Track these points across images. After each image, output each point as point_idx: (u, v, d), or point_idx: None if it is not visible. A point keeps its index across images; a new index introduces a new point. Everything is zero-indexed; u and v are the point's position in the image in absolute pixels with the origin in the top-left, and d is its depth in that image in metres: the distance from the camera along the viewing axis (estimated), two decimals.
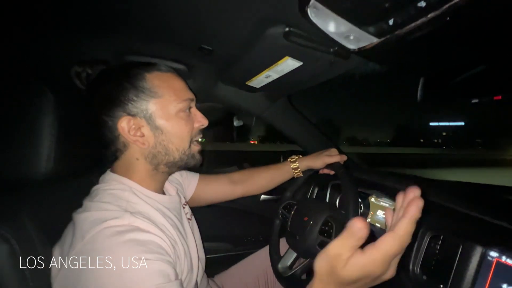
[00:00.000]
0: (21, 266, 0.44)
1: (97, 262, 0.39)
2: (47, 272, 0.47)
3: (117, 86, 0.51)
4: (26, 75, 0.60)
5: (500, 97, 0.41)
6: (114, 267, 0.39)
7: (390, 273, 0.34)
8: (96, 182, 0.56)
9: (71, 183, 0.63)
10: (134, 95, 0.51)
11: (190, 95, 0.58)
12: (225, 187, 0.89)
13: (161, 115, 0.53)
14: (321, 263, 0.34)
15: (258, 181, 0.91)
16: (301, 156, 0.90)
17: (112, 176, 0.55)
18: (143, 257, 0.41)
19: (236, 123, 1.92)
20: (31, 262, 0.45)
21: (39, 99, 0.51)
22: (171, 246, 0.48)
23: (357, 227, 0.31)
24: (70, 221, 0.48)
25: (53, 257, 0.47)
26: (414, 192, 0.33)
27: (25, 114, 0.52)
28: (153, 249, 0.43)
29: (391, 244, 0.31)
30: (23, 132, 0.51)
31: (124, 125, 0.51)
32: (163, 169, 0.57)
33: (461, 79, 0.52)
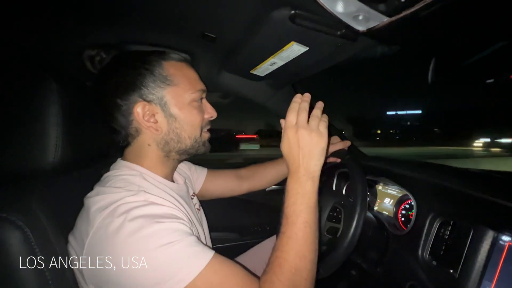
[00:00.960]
0: (36, 254, 0.44)
1: (118, 233, 0.41)
2: (60, 259, 0.48)
3: (135, 70, 0.51)
4: (30, 65, 0.60)
5: None
6: (133, 239, 0.40)
7: (313, 135, 0.51)
8: (104, 171, 0.56)
9: (79, 173, 0.63)
10: (151, 81, 0.51)
11: (203, 86, 0.58)
12: (232, 183, 0.91)
13: (176, 103, 0.53)
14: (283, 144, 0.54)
15: (264, 177, 0.93)
16: None
17: (123, 163, 0.56)
18: (157, 221, 0.42)
19: None
20: (45, 249, 0.46)
21: (43, 88, 0.51)
22: (188, 221, 0.49)
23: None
24: (82, 208, 0.49)
25: (70, 244, 0.48)
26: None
27: (29, 104, 0.51)
28: (169, 216, 0.45)
29: (288, 114, 0.53)
30: (29, 122, 0.51)
31: (139, 110, 0.51)
32: (174, 156, 0.58)
33: (475, 59, 0.50)
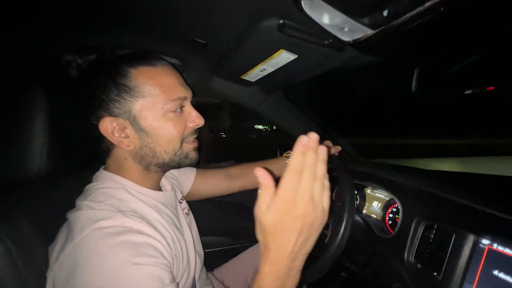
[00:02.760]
0: (18, 266, 0.43)
1: (85, 265, 0.38)
2: (44, 271, 0.47)
3: (99, 84, 0.48)
4: (14, 70, 0.58)
5: (493, 88, 0.42)
6: (103, 271, 0.37)
7: (315, 214, 0.35)
8: (90, 179, 0.55)
9: (65, 181, 0.62)
10: (116, 94, 0.47)
11: (183, 92, 0.53)
12: (223, 182, 0.89)
13: (146, 116, 0.49)
14: (257, 232, 0.36)
15: (255, 176, 0.91)
16: None
17: (105, 174, 0.54)
18: (133, 261, 0.39)
19: None
20: (27, 261, 0.45)
21: (28, 95, 0.50)
22: (167, 245, 0.47)
23: (261, 180, 0.35)
24: (66, 220, 0.48)
25: (50, 257, 0.46)
26: (304, 138, 0.34)
27: (14, 110, 0.50)
28: (145, 252, 0.41)
29: (288, 177, 0.33)
30: (13, 129, 0.50)
31: (106, 126, 0.48)
32: (155, 169, 0.54)
33: (455, 70, 0.52)
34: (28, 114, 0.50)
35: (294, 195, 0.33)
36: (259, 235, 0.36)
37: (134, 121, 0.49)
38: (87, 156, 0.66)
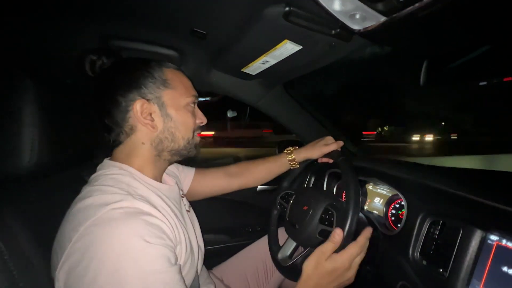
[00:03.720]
0: (8, 265, 0.40)
1: (100, 243, 0.40)
2: (36, 270, 0.44)
3: (137, 71, 0.55)
4: (3, 63, 0.55)
5: (511, 78, 0.40)
6: (117, 247, 0.40)
7: (351, 274, 0.54)
8: (87, 176, 0.53)
9: (57, 177, 0.59)
10: (152, 82, 0.55)
11: (196, 92, 0.62)
12: (222, 180, 0.88)
13: (172, 105, 0.57)
14: (309, 260, 0.54)
15: (254, 174, 0.91)
16: (297, 147, 0.88)
17: (111, 163, 0.56)
18: (145, 239, 0.42)
19: (230, 114, 1.88)
20: (18, 260, 0.42)
21: (17, 87, 0.47)
22: (172, 229, 0.50)
23: (337, 237, 0.54)
24: (61, 216, 0.46)
25: (56, 251, 0.45)
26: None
27: (2, 104, 0.47)
28: (155, 232, 0.44)
29: (353, 248, 0.54)
30: (2, 124, 0.47)
31: (138, 107, 0.53)
32: (166, 156, 0.59)
33: (466, 60, 0.50)
34: (16, 107, 0.47)
35: (351, 262, 0.54)
36: (308, 267, 0.53)
37: (162, 107, 0.56)
38: (84, 152, 0.64)
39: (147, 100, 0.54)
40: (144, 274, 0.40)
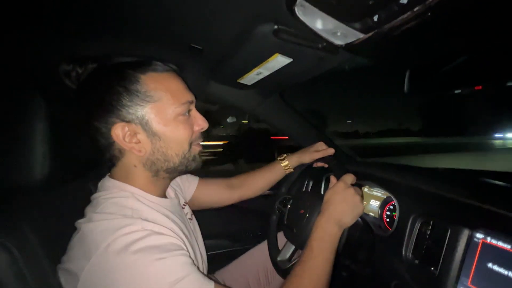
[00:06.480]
0: (25, 276, 0.43)
1: (115, 271, 0.39)
2: (51, 280, 0.46)
3: (109, 90, 0.48)
4: (15, 79, 0.58)
5: (480, 87, 0.43)
6: (137, 278, 0.39)
7: (358, 199, 0.61)
8: (93, 186, 0.56)
9: (67, 188, 0.62)
10: (128, 100, 0.47)
11: (189, 97, 0.54)
12: (223, 191, 0.90)
13: (158, 121, 0.49)
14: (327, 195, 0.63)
15: (253, 185, 0.94)
16: (289, 154, 0.93)
17: (112, 183, 0.53)
18: (161, 256, 0.41)
19: (229, 120, 1.92)
20: (34, 271, 0.45)
21: (29, 103, 0.50)
22: (183, 243, 0.49)
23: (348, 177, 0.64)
24: (74, 230, 0.47)
25: (62, 271, 0.45)
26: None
27: (16, 119, 0.51)
28: (170, 248, 0.44)
29: (345, 180, 0.64)
30: (15, 138, 0.51)
31: (118, 132, 0.48)
32: (163, 175, 0.55)
33: (444, 70, 0.54)
34: (29, 122, 0.51)
35: (348, 184, 0.63)
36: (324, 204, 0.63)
37: (146, 126, 0.49)
38: (89, 164, 0.66)
39: (128, 122, 0.48)
40: (169, 286, 0.40)
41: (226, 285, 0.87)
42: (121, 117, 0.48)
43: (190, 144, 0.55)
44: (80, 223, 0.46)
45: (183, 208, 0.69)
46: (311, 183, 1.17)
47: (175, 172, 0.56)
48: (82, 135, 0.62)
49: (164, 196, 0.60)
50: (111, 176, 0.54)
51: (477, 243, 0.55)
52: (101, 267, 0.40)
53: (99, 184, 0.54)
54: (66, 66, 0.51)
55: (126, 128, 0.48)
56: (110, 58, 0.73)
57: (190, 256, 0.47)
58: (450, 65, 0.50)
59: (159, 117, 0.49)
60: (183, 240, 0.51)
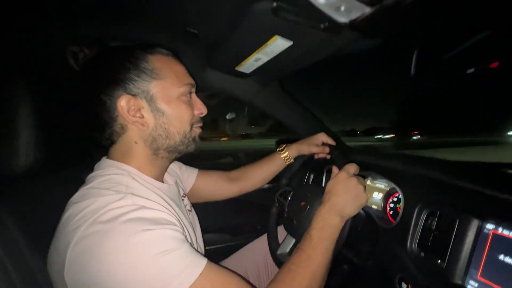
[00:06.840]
0: (5, 265, 0.41)
1: (104, 243, 0.38)
2: (35, 273, 0.45)
3: (118, 65, 0.49)
4: None
5: (496, 64, 0.40)
6: (122, 245, 0.38)
7: (361, 189, 0.60)
8: (85, 176, 0.53)
9: (54, 177, 0.60)
10: (136, 75, 0.49)
11: (191, 80, 0.57)
12: (223, 184, 0.89)
13: (162, 97, 0.51)
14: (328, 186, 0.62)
15: (253, 177, 0.92)
16: (288, 144, 0.91)
17: (108, 162, 0.53)
18: (151, 228, 0.40)
19: (229, 116, 1.88)
20: (17, 264, 0.43)
21: (12, 88, 0.48)
22: (179, 225, 0.47)
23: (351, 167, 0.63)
24: (59, 216, 0.45)
25: (51, 256, 0.44)
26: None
27: None
28: (161, 222, 0.43)
29: (347, 170, 0.62)
30: None
31: (123, 104, 0.49)
32: (163, 154, 0.55)
33: (456, 52, 0.50)
34: (12, 107, 0.48)
35: (351, 173, 0.61)
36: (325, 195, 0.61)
37: (151, 101, 0.51)
38: (82, 151, 0.64)
39: (133, 95, 0.49)
40: (154, 258, 0.39)
41: None
42: (127, 90, 0.49)
43: (191, 126, 0.56)
44: (71, 201, 0.46)
45: (182, 199, 0.68)
46: (312, 175, 1.14)
47: (175, 152, 0.57)
48: (72, 121, 0.60)
49: (161, 180, 0.60)
50: (108, 157, 0.55)
51: (487, 234, 0.52)
52: (87, 238, 0.39)
53: (95, 166, 0.54)
54: (74, 48, 0.53)
55: (132, 101, 0.49)
56: (108, 41, 0.72)
57: (181, 232, 0.45)
58: (462, 45, 0.47)
59: (163, 93, 0.52)
60: (178, 219, 0.50)
